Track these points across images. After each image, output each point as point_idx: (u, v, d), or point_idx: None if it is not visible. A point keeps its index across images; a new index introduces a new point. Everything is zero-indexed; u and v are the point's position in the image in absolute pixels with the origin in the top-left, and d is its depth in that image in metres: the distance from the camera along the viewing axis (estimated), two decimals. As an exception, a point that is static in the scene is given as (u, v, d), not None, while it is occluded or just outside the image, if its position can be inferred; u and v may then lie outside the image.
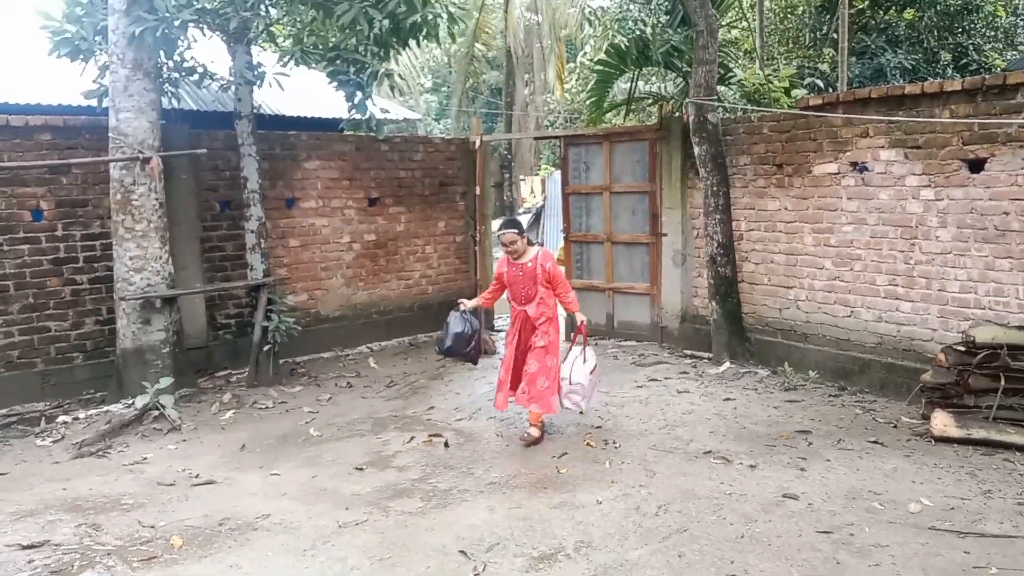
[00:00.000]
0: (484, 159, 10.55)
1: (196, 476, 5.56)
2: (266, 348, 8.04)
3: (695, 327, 8.87)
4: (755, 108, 8.92)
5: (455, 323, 6.22)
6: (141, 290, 7.19)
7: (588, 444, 5.94)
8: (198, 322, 8.43)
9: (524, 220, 15.79)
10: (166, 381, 6.98)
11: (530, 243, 6.15)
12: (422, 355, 9.49)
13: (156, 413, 6.79)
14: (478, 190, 10.44)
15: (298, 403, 7.48)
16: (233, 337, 8.78)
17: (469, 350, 6.27)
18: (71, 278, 7.66)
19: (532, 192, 28.33)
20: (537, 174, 30.21)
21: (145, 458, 5.98)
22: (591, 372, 6.18)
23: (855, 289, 7.27)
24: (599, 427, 6.34)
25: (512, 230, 6.00)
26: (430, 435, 6.32)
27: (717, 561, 4.05)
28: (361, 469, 5.63)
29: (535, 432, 6.07)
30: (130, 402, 6.95)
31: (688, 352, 8.72)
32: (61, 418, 6.91)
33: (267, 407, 7.34)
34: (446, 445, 6.06)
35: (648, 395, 7.22)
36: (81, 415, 6.96)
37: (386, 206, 10.07)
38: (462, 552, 4.21)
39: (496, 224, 6.49)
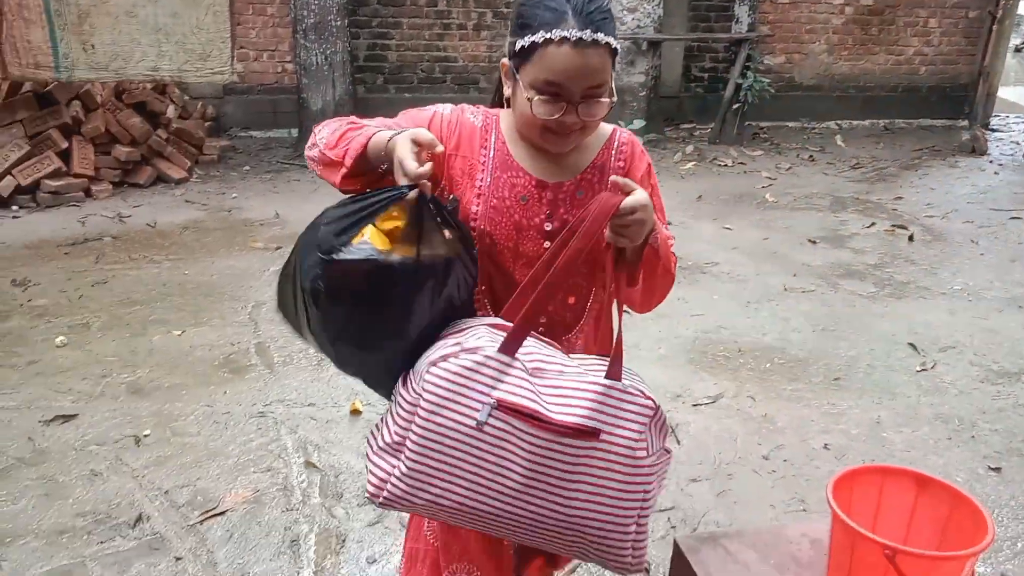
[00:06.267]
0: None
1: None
2: (735, 107, 7.98)
3: None
4: None
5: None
6: (631, 30, 7.43)
7: (1087, 273, 5.11)
8: (674, 72, 8.58)
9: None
10: (639, 123, 7.35)
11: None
12: (897, 141, 8.71)
13: (626, 151, 7.24)
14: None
15: (756, 167, 7.44)
16: (704, 91, 8.82)
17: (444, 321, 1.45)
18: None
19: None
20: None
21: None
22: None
23: None
24: (1106, 257, 5.39)
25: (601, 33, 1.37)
26: (893, 225, 5.92)
27: None
28: (814, 242, 5.53)
29: None
30: (604, 137, 7.48)
31: None
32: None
33: (726, 165, 7.42)
34: (911, 239, 5.64)
35: None
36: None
37: (895, -33, 8.94)
38: (911, 345, 4.02)
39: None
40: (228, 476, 2.85)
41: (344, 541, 2.55)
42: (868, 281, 4.87)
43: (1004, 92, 10.12)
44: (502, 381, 1.31)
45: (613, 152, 1.57)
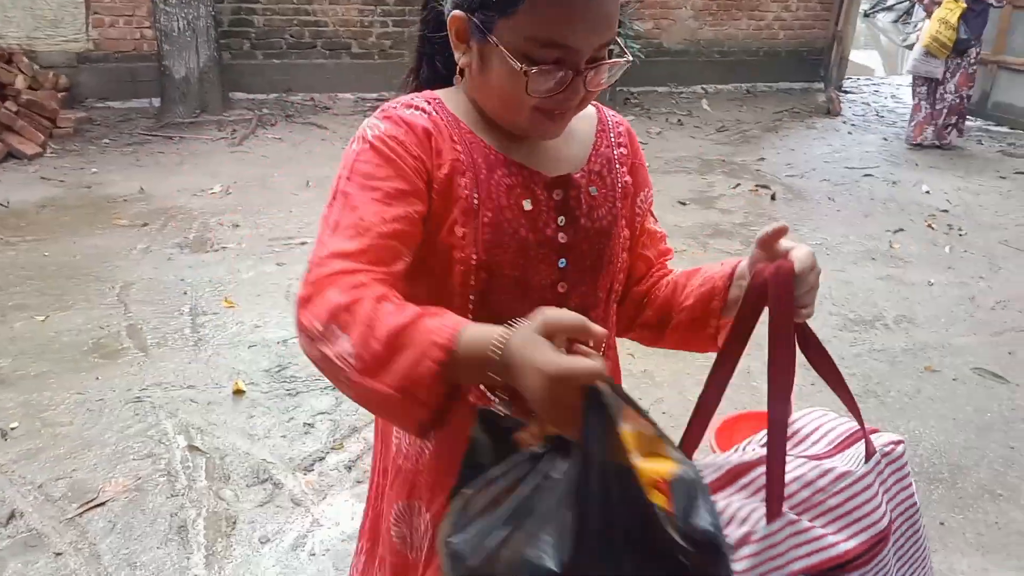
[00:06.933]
0: None
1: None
2: (607, 72, 8.12)
3: (1092, 121, 7.56)
4: None
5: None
6: None
7: (929, 226, 5.52)
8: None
9: None
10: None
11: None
12: (759, 104, 9.09)
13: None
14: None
15: (629, 131, 7.62)
16: (576, 57, 8.94)
17: None
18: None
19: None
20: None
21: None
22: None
23: None
24: (945, 211, 5.84)
25: None
26: (757, 185, 6.21)
27: (1055, 369, 3.76)
28: (684, 204, 5.74)
29: None
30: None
31: (1074, 149, 7.53)
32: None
33: (600, 130, 7.58)
34: (773, 198, 5.94)
35: (1011, 188, 6.44)
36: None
37: (753, -65, 9.26)
38: (776, 299, 4.27)
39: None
40: (106, 465, 2.75)
41: (235, 523, 2.52)
42: (736, 240, 5.11)
43: (855, 55, 10.72)
44: (792, 549, 1.00)
45: (611, 137, 1.19)
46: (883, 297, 4.38)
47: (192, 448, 2.85)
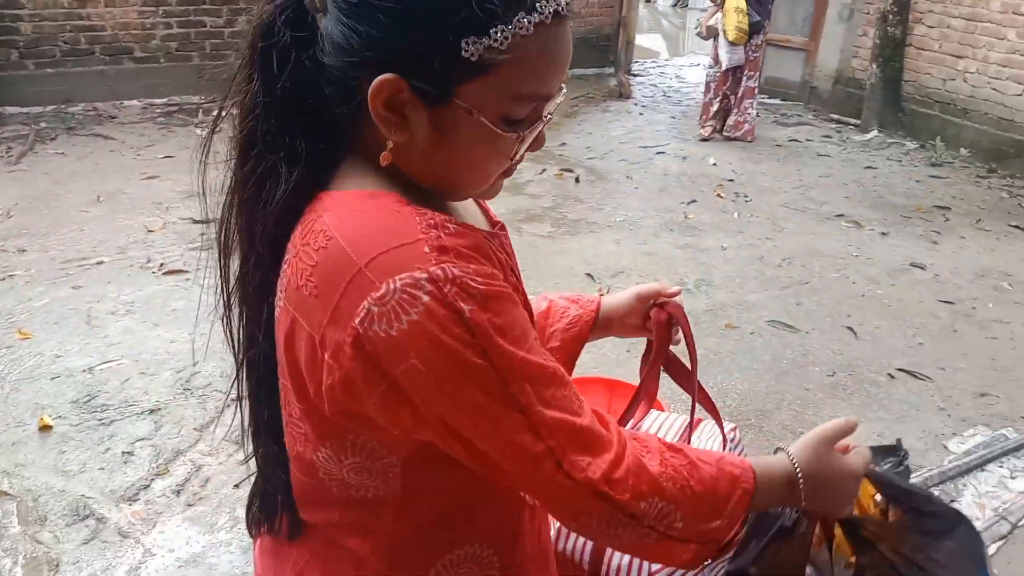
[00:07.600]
0: None
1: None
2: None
3: (847, 91, 8.41)
4: None
5: None
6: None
7: (718, 195, 5.97)
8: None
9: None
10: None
11: None
12: (557, 91, 9.42)
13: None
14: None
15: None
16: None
17: None
18: (226, -25, 7.79)
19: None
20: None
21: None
22: None
23: (1036, 66, 6.67)
24: (731, 180, 6.33)
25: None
26: (561, 169, 6.46)
27: (834, 313, 4.19)
28: (495, 191, 5.87)
29: None
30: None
31: (835, 116, 8.35)
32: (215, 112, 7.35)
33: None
34: (577, 180, 6.20)
35: (786, 155, 7.08)
36: (235, 111, 7.36)
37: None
38: (588, 275, 4.48)
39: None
40: None
41: (57, 566, 2.36)
42: (546, 223, 5.30)
43: (641, 40, 11.32)
44: None
45: None
46: (683, 264, 4.70)
47: (-2, 494, 2.64)
